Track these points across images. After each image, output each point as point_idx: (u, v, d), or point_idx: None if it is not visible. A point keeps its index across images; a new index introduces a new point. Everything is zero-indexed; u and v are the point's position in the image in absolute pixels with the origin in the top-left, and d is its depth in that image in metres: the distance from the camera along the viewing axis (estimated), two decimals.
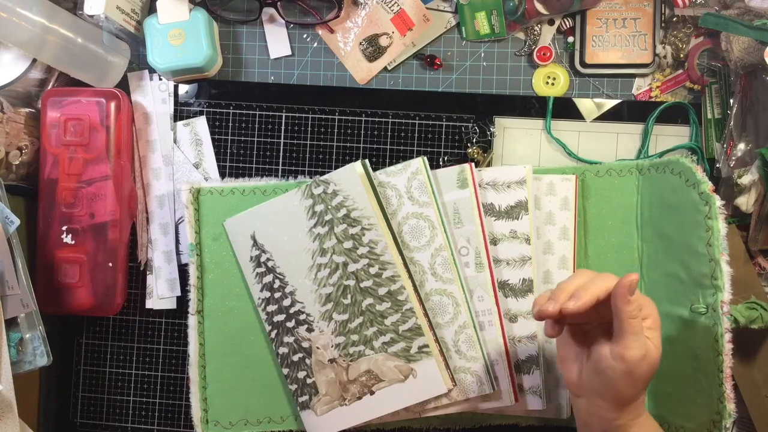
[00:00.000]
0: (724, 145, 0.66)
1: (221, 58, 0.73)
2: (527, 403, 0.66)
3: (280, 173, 0.73)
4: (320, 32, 0.73)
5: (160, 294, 0.73)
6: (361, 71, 0.73)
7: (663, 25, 0.69)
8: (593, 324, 0.54)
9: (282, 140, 0.73)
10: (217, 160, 0.73)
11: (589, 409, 0.54)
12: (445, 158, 0.72)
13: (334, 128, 0.73)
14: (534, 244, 0.67)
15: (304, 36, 0.73)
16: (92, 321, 0.75)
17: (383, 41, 0.72)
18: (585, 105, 0.70)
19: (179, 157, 0.73)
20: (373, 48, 0.72)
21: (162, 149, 0.73)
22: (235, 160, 0.73)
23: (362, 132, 0.72)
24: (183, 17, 0.69)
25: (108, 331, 0.75)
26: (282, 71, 0.74)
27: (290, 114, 0.73)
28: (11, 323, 0.61)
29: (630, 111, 0.70)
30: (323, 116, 0.73)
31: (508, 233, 0.67)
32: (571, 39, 0.71)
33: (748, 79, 0.65)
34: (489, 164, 0.71)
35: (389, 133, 0.72)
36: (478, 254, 0.66)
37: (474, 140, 0.71)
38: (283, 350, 0.68)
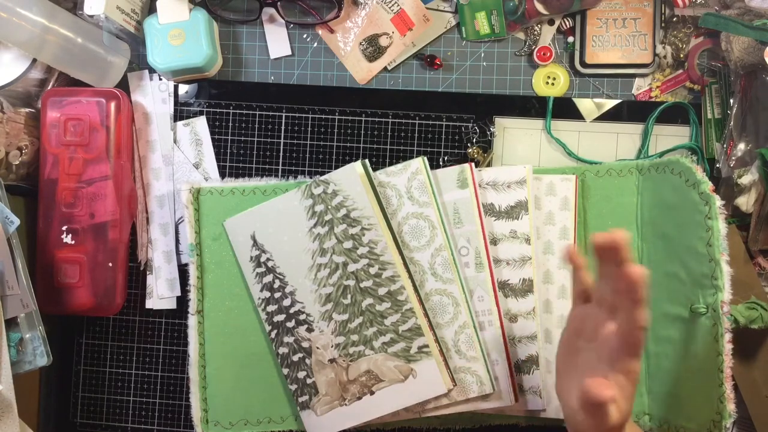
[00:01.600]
0: (724, 145, 0.66)
1: (221, 58, 0.73)
2: (527, 403, 0.66)
3: (280, 173, 0.73)
4: (320, 32, 0.73)
5: (160, 294, 0.73)
6: (361, 71, 0.73)
7: (663, 25, 0.69)
8: (590, 343, 0.51)
9: (282, 140, 0.73)
10: (217, 160, 0.73)
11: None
12: (445, 158, 0.72)
13: (334, 128, 0.73)
14: (534, 244, 0.67)
15: (304, 36, 0.73)
16: (92, 321, 0.75)
17: (383, 41, 0.72)
18: (585, 105, 0.70)
19: (179, 157, 0.73)
20: (373, 48, 0.72)
21: (162, 149, 0.73)
22: (235, 160, 0.73)
23: (362, 132, 0.72)
24: (183, 17, 0.69)
25: (108, 331, 0.75)
26: (282, 71, 0.74)
27: (290, 114, 0.73)
28: (11, 323, 0.61)
29: (630, 111, 0.70)
30: (323, 116, 0.73)
31: (508, 233, 0.67)
32: (571, 39, 0.71)
33: (748, 79, 0.65)
34: (489, 164, 0.71)
35: (389, 133, 0.72)
36: (478, 254, 0.66)
37: (474, 140, 0.71)
38: (283, 350, 0.68)
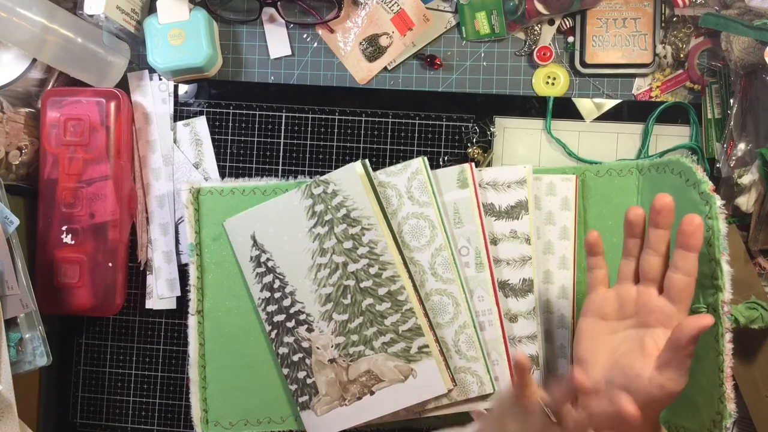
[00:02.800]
0: (724, 145, 0.66)
1: (221, 58, 0.73)
2: None
3: (280, 173, 0.73)
4: (320, 32, 0.73)
5: (160, 294, 0.73)
6: (361, 71, 0.73)
7: (663, 25, 0.69)
8: (623, 321, 0.54)
9: (282, 140, 0.73)
10: (217, 160, 0.73)
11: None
12: (445, 158, 0.72)
13: (334, 128, 0.73)
14: (534, 244, 0.67)
15: (304, 36, 0.73)
16: (92, 321, 0.75)
17: (383, 41, 0.72)
18: (585, 105, 0.70)
19: (179, 157, 0.73)
20: (373, 48, 0.72)
21: (162, 149, 0.73)
22: (235, 160, 0.73)
23: (362, 132, 0.72)
24: (183, 17, 0.69)
25: (108, 331, 0.75)
26: (282, 71, 0.74)
27: (290, 114, 0.73)
28: (11, 323, 0.61)
29: (630, 111, 0.70)
30: (323, 116, 0.73)
31: (508, 233, 0.67)
32: (571, 39, 0.71)
33: (748, 79, 0.65)
34: (489, 164, 0.71)
35: (389, 133, 0.72)
36: (478, 254, 0.66)
37: (474, 140, 0.71)
38: (283, 350, 0.68)
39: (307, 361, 0.67)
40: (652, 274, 0.53)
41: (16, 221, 0.61)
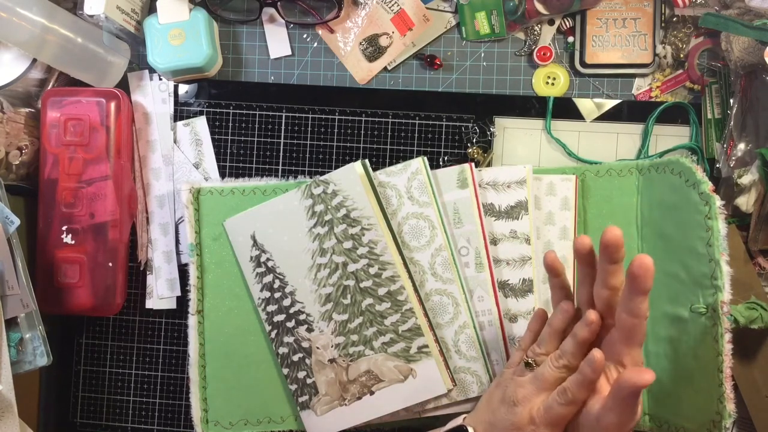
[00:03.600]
0: (724, 145, 0.66)
1: (221, 58, 0.74)
2: None
3: (280, 173, 0.73)
4: (320, 32, 0.73)
5: (160, 294, 0.73)
6: (361, 71, 0.73)
7: (663, 25, 0.69)
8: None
9: (282, 140, 0.73)
10: (217, 160, 0.73)
11: None
12: (445, 158, 0.72)
13: (334, 128, 0.73)
14: (534, 244, 0.67)
15: (304, 36, 0.73)
16: (92, 321, 0.75)
17: (383, 41, 0.72)
18: (585, 105, 0.70)
19: (179, 157, 0.73)
20: (373, 48, 0.72)
21: (162, 149, 0.73)
22: (235, 160, 0.73)
23: (362, 132, 0.72)
24: (183, 17, 0.69)
25: (108, 331, 0.75)
26: (282, 71, 0.74)
27: (290, 114, 0.73)
28: (11, 323, 0.61)
29: (630, 111, 0.70)
30: (323, 116, 0.73)
31: (508, 233, 0.67)
32: (571, 39, 0.71)
33: (748, 79, 0.65)
34: (489, 164, 0.71)
35: (389, 133, 0.72)
36: (478, 254, 0.66)
37: (474, 140, 0.71)
38: (283, 350, 0.68)
39: (307, 361, 0.67)
40: (603, 308, 0.51)
41: (17, 221, 0.61)
